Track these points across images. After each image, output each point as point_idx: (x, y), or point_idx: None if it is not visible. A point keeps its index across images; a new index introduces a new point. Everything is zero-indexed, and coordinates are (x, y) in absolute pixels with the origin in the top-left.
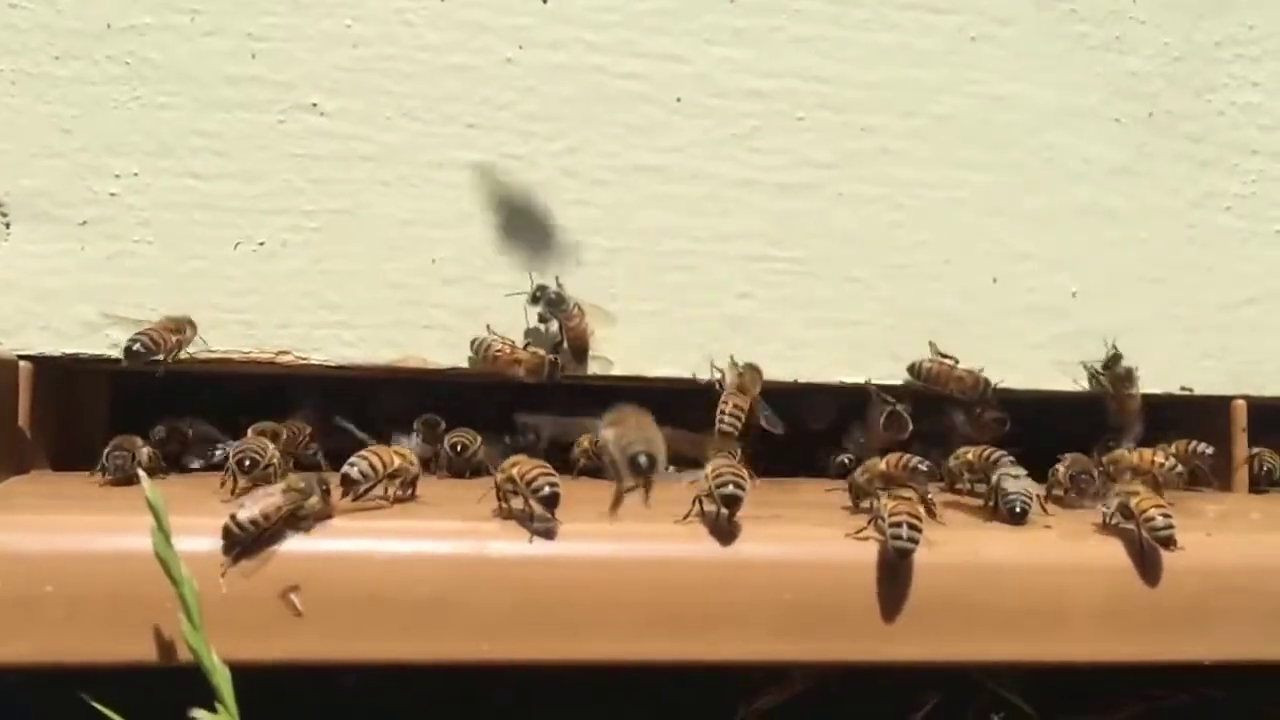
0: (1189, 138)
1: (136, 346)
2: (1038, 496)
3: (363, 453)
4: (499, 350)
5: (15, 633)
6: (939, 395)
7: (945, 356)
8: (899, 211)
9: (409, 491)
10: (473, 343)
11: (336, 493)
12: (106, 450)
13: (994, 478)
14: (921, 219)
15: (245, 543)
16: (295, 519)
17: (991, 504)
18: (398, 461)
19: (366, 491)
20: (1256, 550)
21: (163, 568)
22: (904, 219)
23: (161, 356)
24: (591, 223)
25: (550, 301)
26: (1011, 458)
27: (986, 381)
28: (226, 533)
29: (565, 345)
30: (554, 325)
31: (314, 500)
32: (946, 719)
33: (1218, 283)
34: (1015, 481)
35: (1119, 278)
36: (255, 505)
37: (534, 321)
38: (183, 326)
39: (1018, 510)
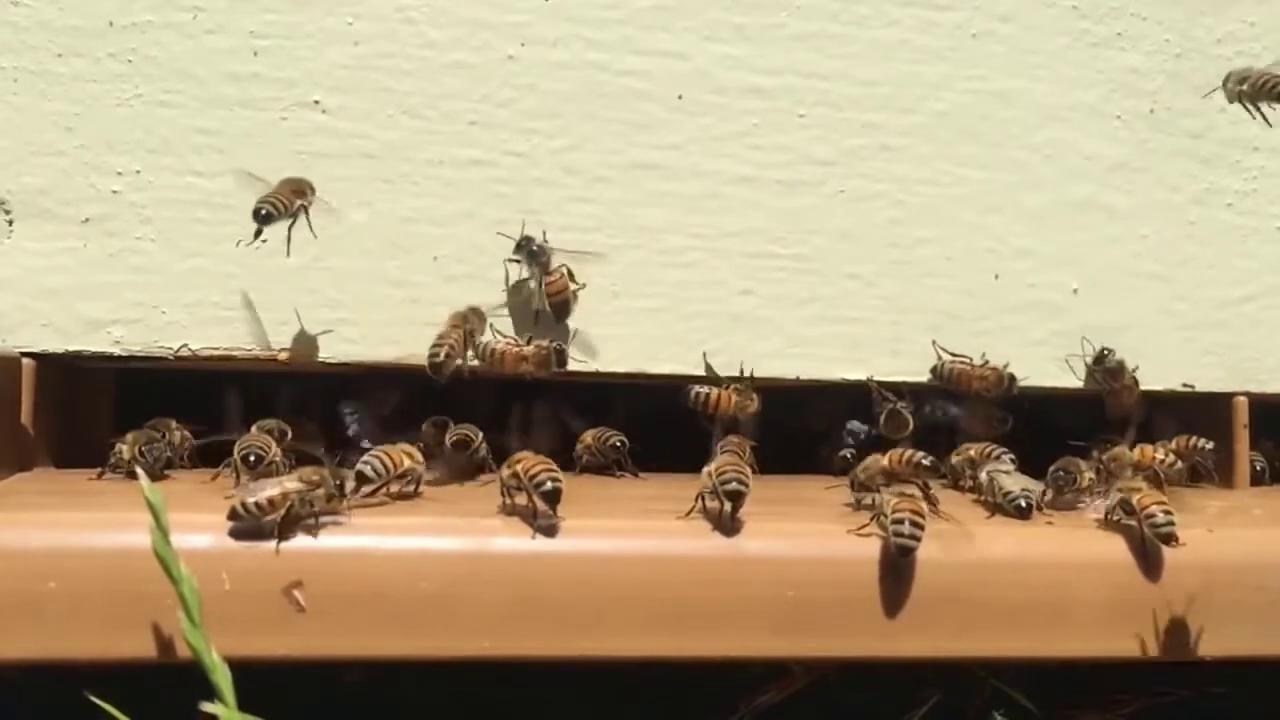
0: (1190, 134)
1: (440, 357)
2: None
3: (374, 452)
4: (504, 349)
5: (17, 630)
6: (962, 395)
7: (958, 355)
8: (899, 208)
9: (414, 489)
10: (476, 346)
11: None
12: (139, 446)
13: (983, 474)
14: (922, 216)
15: (252, 529)
16: (302, 510)
17: (990, 500)
18: (407, 462)
19: (378, 490)
20: (1258, 546)
21: (162, 566)
22: (904, 216)
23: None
24: (593, 220)
25: (532, 253)
26: (1012, 456)
27: (1011, 377)
28: (232, 515)
29: (543, 304)
30: (532, 281)
31: (322, 493)
32: (949, 715)
33: (1219, 279)
34: (1011, 478)
35: (1120, 274)
36: (263, 491)
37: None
38: (468, 319)
39: (1023, 506)
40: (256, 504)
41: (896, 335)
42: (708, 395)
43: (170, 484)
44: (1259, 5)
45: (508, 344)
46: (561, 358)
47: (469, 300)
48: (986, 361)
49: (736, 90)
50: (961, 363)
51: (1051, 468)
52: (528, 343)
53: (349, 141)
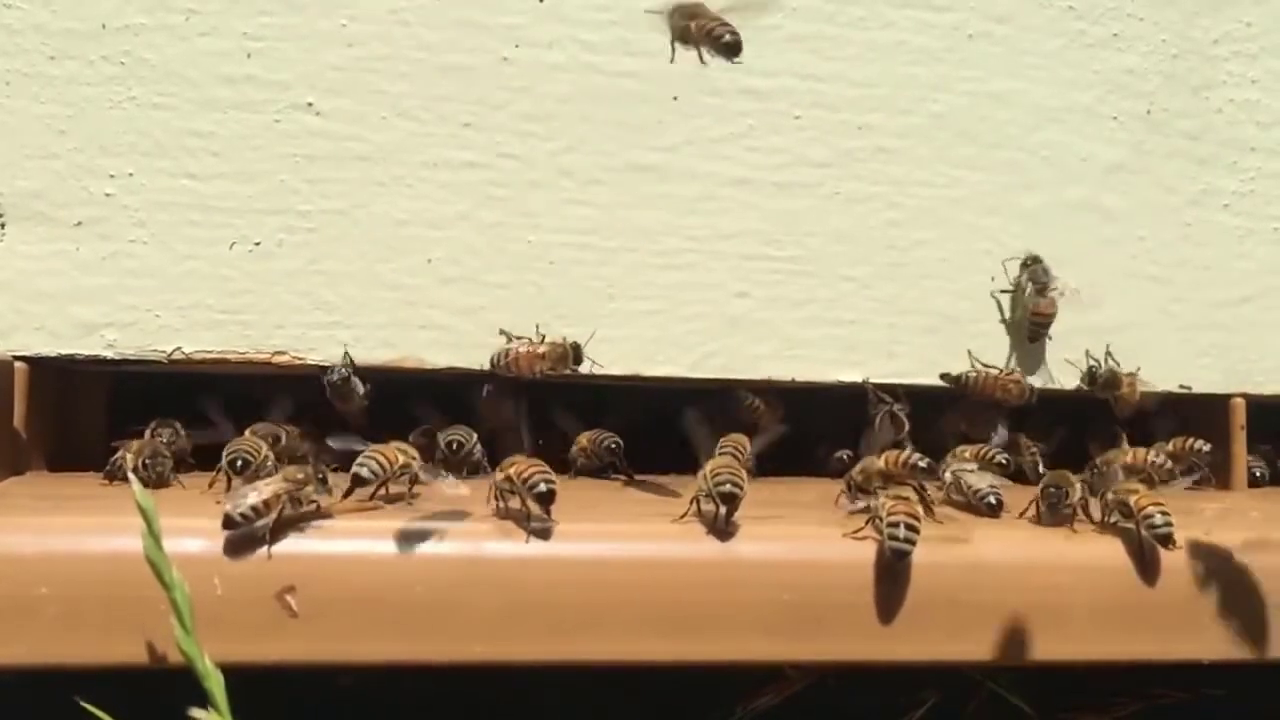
0: (1187, 135)
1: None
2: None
3: (369, 452)
4: (519, 351)
5: (10, 635)
6: (983, 402)
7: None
8: (896, 210)
9: (411, 488)
10: (492, 358)
11: (339, 492)
12: (144, 458)
13: (948, 474)
14: (918, 217)
15: (245, 534)
16: (294, 508)
17: (959, 499)
18: (402, 459)
19: (376, 491)
20: (1255, 549)
21: (154, 572)
22: (901, 218)
23: None
24: (588, 222)
25: None
26: (1008, 457)
27: (1031, 388)
28: (227, 522)
29: None
30: None
31: (311, 489)
32: (945, 718)
33: (1216, 280)
34: (977, 475)
35: (1117, 275)
36: (254, 494)
37: None
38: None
39: (993, 503)
40: (253, 508)
41: (893, 337)
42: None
43: (165, 489)
44: (1255, 5)
45: (521, 345)
46: (578, 353)
47: (465, 301)
48: (1012, 370)
49: (732, 92)
50: (984, 372)
51: (1041, 484)
52: (542, 340)
53: (343, 144)
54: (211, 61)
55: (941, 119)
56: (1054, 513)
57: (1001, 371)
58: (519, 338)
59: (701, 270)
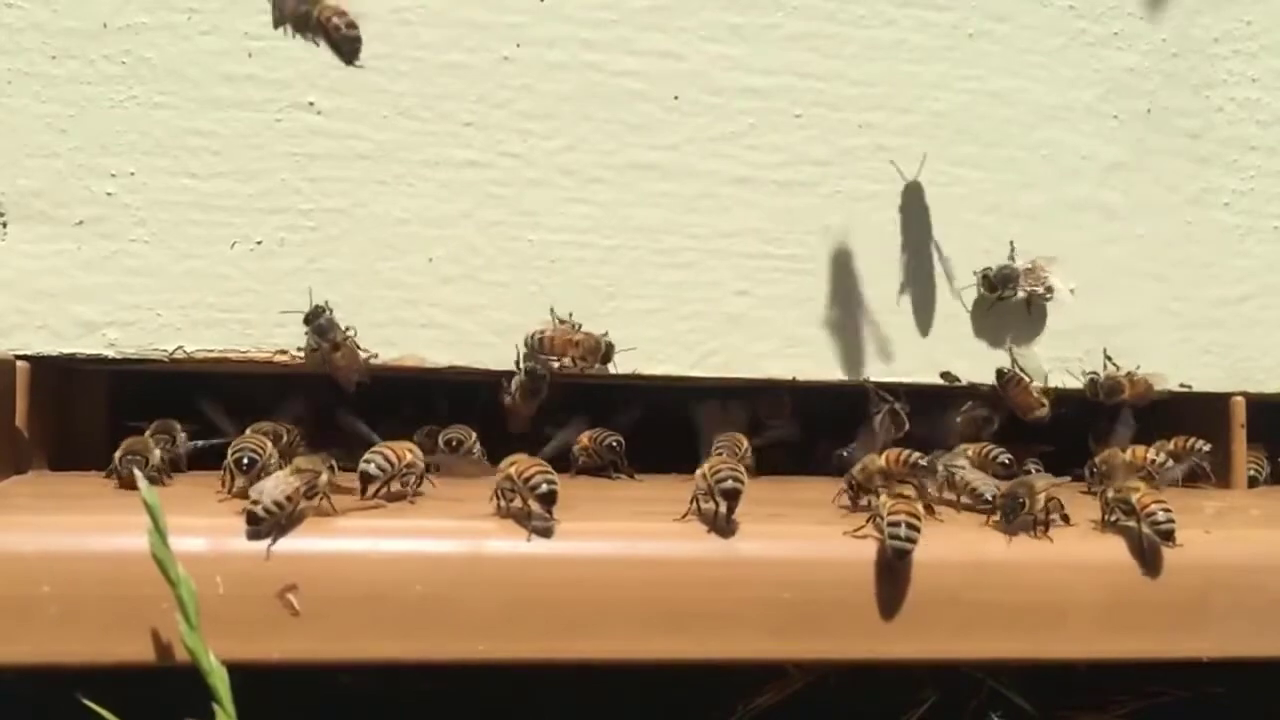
0: (1187, 134)
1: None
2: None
3: (376, 449)
4: (554, 334)
5: (12, 634)
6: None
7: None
8: (896, 209)
9: (415, 484)
10: (525, 337)
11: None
12: (119, 455)
13: (941, 467)
14: (919, 216)
15: (270, 530)
16: (309, 500)
17: (954, 497)
18: (409, 457)
19: (381, 488)
20: (1256, 547)
21: (159, 568)
22: (901, 216)
23: None
24: (589, 221)
25: None
26: (1009, 456)
27: (1050, 416)
28: (251, 518)
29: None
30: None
31: (325, 478)
32: (946, 716)
33: (1216, 279)
34: (971, 472)
35: (1117, 274)
36: (276, 489)
37: None
38: None
39: (988, 498)
40: (276, 503)
41: (893, 336)
42: None
43: (162, 488)
44: (1255, 4)
45: (557, 329)
46: (610, 352)
47: (465, 300)
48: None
49: (733, 90)
50: (1022, 377)
51: (1001, 493)
52: (578, 328)
53: (344, 143)
54: (212, 60)
55: (942, 117)
56: (1009, 522)
57: (1037, 385)
58: (562, 322)
59: (702, 268)
